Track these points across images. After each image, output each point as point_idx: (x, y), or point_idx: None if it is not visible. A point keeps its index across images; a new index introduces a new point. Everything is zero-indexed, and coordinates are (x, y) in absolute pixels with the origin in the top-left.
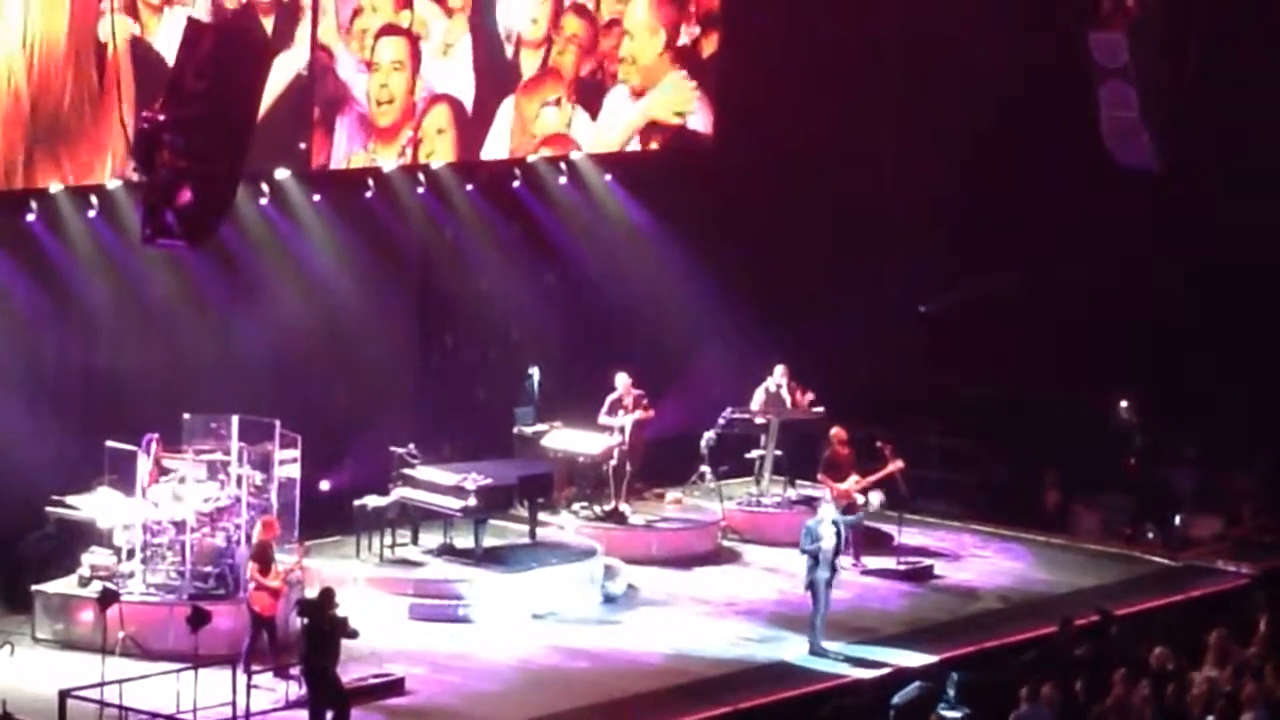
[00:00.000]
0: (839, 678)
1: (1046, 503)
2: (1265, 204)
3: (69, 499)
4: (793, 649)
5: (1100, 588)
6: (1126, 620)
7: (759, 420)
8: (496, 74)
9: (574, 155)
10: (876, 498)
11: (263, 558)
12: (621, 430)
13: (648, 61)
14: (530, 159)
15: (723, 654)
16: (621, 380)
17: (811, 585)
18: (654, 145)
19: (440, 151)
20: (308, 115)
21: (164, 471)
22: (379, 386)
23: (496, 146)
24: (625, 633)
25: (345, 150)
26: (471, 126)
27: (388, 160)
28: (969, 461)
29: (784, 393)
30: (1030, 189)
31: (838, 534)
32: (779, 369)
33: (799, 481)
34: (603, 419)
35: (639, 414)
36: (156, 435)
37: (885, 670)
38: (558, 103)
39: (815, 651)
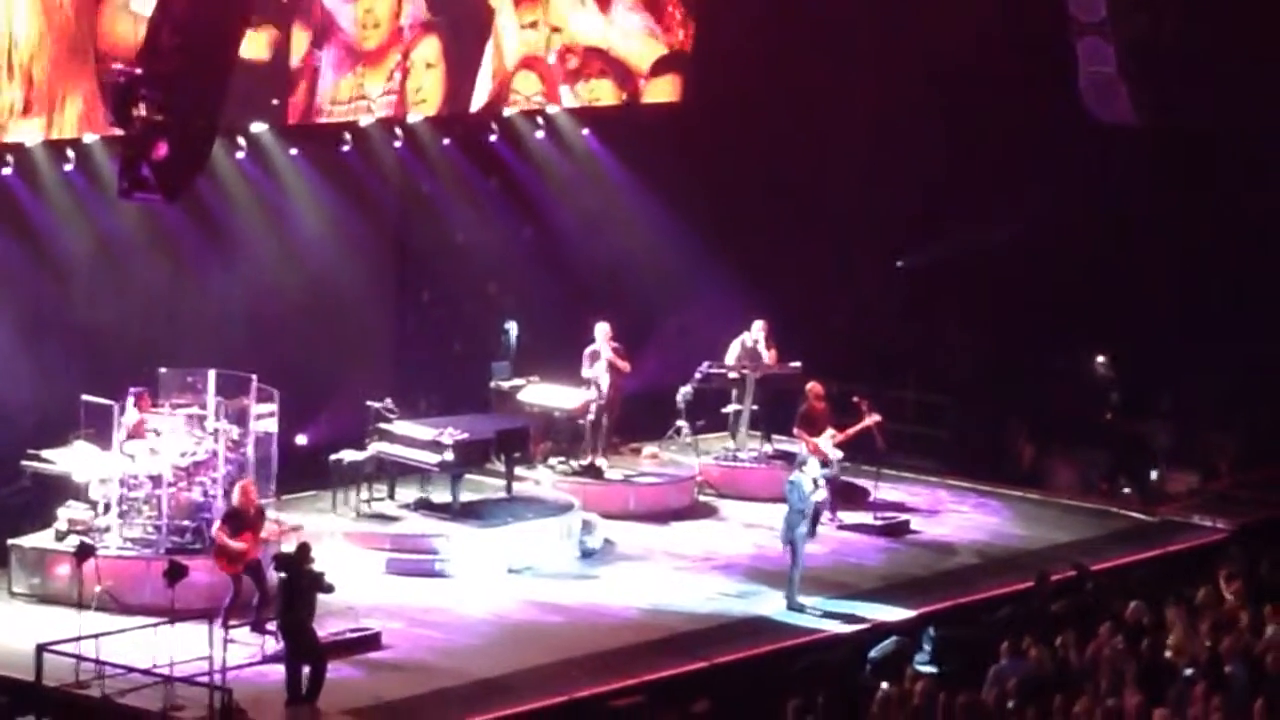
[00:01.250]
0: (816, 632)
1: (1023, 458)
2: (1245, 158)
3: (45, 453)
4: (770, 604)
5: (1076, 543)
6: (1103, 575)
7: (734, 375)
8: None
9: (551, 110)
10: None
11: (233, 520)
12: (597, 384)
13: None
14: (507, 112)
15: (699, 609)
16: (601, 330)
17: (792, 541)
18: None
19: (428, 87)
20: (284, 68)
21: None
22: (356, 341)
23: (485, 80)
24: (602, 587)
25: (333, 78)
26: (461, 61)
27: (375, 85)
28: (945, 416)
29: (761, 348)
30: (1010, 143)
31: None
32: (757, 324)
33: (775, 436)
34: (584, 373)
35: (610, 357)
36: (144, 390)
37: (862, 625)
38: (534, 26)
39: (792, 606)
